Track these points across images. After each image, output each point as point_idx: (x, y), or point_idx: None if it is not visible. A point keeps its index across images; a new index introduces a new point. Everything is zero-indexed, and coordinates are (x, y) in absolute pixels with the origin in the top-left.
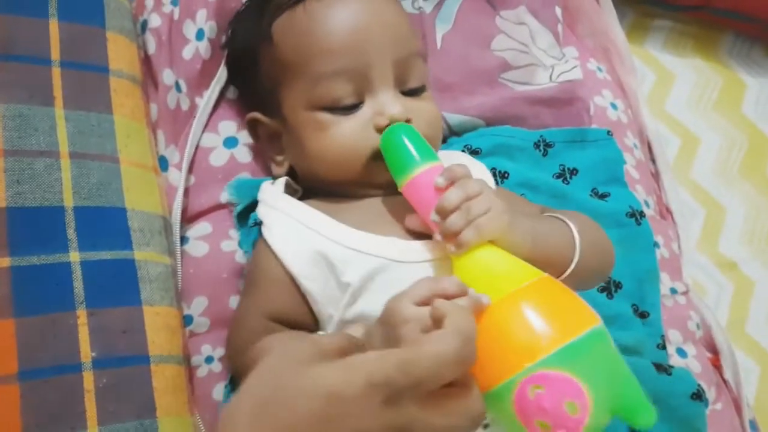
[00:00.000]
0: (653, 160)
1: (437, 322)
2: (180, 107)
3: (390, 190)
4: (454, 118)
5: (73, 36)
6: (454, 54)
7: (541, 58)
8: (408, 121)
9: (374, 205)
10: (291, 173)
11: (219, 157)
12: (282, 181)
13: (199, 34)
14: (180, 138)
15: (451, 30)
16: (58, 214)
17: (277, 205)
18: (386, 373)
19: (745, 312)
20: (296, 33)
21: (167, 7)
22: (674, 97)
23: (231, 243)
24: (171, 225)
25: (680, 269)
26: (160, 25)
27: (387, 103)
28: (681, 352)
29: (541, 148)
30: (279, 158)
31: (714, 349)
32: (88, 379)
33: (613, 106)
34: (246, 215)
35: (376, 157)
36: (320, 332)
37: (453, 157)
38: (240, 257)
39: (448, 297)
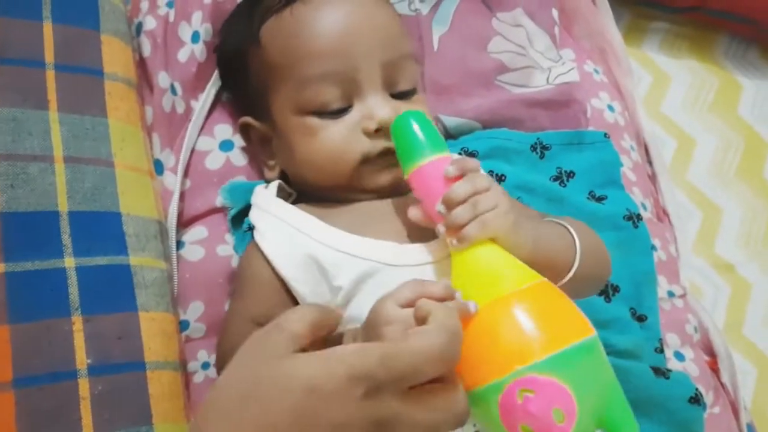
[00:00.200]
0: (650, 162)
1: (421, 321)
2: (175, 110)
3: (381, 193)
4: (451, 121)
5: (68, 39)
6: (451, 56)
7: (538, 61)
8: None
9: (366, 208)
10: (285, 176)
11: (215, 161)
12: (275, 184)
13: (195, 37)
14: (175, 141)
15: (448, 32)
16: (53, 219)
17: (269, 209)
18: (367, 366)
19: (742, 314)
20: (283, 36)
21: (162, 10)
22: (670, 99)
23: (227, 247)
24: (166, 229)
25: (677, 272)
26: (155, 28)
27: (375, 106)
28: (679, 356)
29: (538, 150)
30: (271, 162)
31: (711, 352)
32: (84, 386)
33: (610, 108)
34: (241, 219)
35: (365, 161)
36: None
37: None
38: (236, 262)
39: (434, 299)
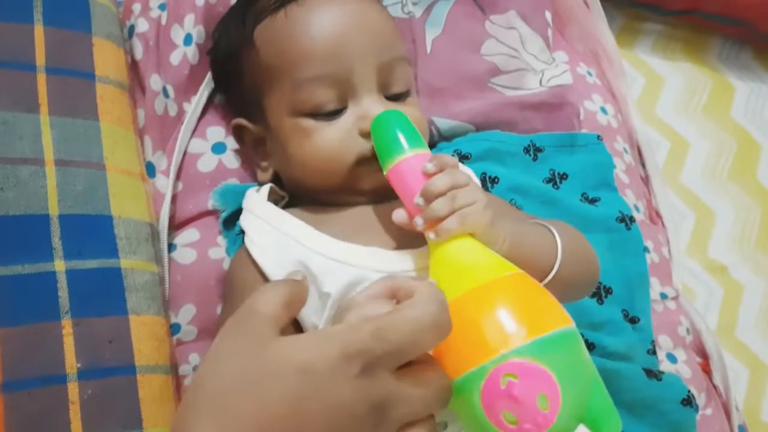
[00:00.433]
0: (643, 164)
1: (407, 297)
2: (167, 113)
3: (375, 197)
4: (444, 123)
5: (59, 41)
6: (444, 59)
7: (531, 63)
8: None
9: (358, 214)
10: (278, 178)
11: (207, 163)
12: (266, 188)
13: (187, 39)
14: (167, 144)
15: (441, 34)
16: (43, 222)
17: (259, 213)
18: (362, 341)
19: (735, 316)
20: (277, 38)
21: (155, 12)
22: (663, 101)
23: (219, 250)
24: (158, 232)
25: (670, 274)
26: (147, 30)
27: (370, 106)
28: (671, 358)
29: (531, 152)
30: (264, 164)
31: (704, 354)
32: (74, 390)
33: (603, 110)
34: (233, 221)
35: (361, 162)
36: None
37: None
38: (228, 264)
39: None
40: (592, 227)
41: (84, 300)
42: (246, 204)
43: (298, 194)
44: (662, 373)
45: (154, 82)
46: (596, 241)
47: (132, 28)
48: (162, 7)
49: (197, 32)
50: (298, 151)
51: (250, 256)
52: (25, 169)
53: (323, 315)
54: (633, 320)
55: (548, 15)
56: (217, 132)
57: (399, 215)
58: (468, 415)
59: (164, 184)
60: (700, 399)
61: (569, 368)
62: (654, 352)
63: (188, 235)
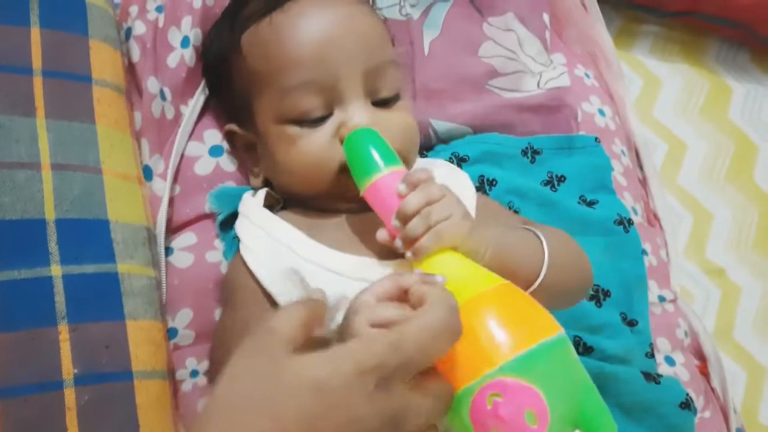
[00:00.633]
0: (641, 166)
1: (418, 303)
2: (165, 116)
3: (366, 204)
4: (442, 126)
5: (56, 44)
6: (442, 61)
7: (529, 65)
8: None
9: (351, 222)
10: (270, 183)
11: (204, 166)
12: (263, 192)
13: (185, 42)
14: (165, 147)
15: (439, 37)
16: (40, 226)
17: (254, 218)
18: (377, 354)
19: (733, 318)
20: (263, 45)
21: (152, 14)
22: (661, 103)
23: (216, 253)
24: (155, 236)
25: (668, 276)
26: (144, 33)
27: (354, 114)
28: (669, 360)
29: (529, 155)
30: (255, 169)
31: (702, 356)
32: (70, 396)
33: (601, 112)
34: (230, 224)
35: (344, 170)
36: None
37: (434, 165)
38: (225, 267)
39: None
40: (590, 230)
41: (81, 305)
42: (241, 208)
43: (291, 199)
44: (660, 376)
45: (152, 84)
46: (594, 244)
47: (129, 31)
48: (159, 9)
49: (194, 35)
50: (284, 159)
51: (244, 263)
52: (21, 173)
53: None
54: (631, 323)
55: (546, 17)
56: (214, 135)
57: (381, 235)
58: (461, 431)
59: (161, 187)
60: (699, 402)
61: (556, 379)
62: (652, 355)
63: (185, 238)
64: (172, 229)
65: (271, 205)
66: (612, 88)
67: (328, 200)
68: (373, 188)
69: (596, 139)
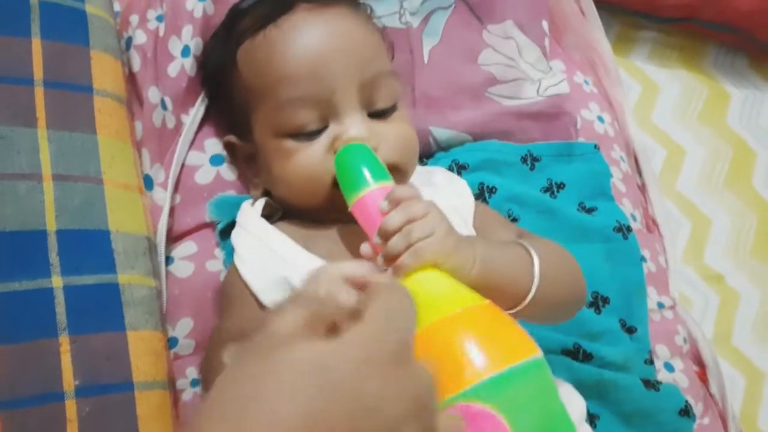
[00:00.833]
0: (639, 173)
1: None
2: (165, 125)
3: None
4: (442, 133)
5: (56, 55)
6: (441, 69)
7: (528, 72)
8: (371, 146)
9: (346, 234)
10: (270, 193)
11: (205, 176)
12: (261, 202)
13: (185, 51)
14: (165, 156)
15: (439, 44)
16: (41, 238)
17: (251, 228)
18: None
19: (731, 324)
20: (257, 60)
21: (152, 24)
22: (660, 109)
23: (216, 263)
24: (156, 245)
25: (667, 283)
26: (145, 42)
27: (348, 126)
28: (668, 367)
29: (529, 162)
30: (256, 180)
31: (700, 362)
32: (71, 408)
33: (600, 119)
34: (230, 232)
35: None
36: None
37: (433, 173)
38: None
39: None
40: (589, 237)
41: (81, 316)
42: (239, 218)
43: (289, 210)
44: (660, 383)
45: (152, 94)
46: (593, 251)
47: (129, 40)
48: (159, 18)
49: (195, 44)
50: (280, 172)
51: (239, 273)
52: (22, 184)
53: None
54: (630, 330)
55: (545, 24)
56: (214, 144)
57: (365, 250)
58: None
59: (162, 197)
60: (698, 408)
61: (523, 406)
62: (651, 362)
63: (186, 247)
64: (173, 239)
65: (270, 214)
66: (611, 95)
67: (324, 212)
68: (359, 204)
69: (595, 146)
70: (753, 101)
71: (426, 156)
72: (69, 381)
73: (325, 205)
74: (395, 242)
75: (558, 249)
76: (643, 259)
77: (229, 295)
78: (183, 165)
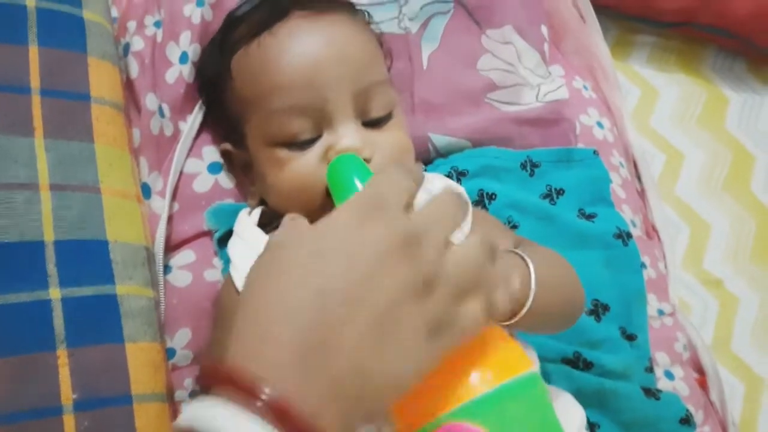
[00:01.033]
0: (639, 178)
1: None
2: (163, 133)
3: None
4: (441, 140)
5: (54, 63)
6: (440, 74)
7: (528, 78)
8: (365, 155)
9: None
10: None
11: (203, 183)
12: (258, 211)
13: (183, 58)
14: (163, 164)
15: (437, 50)
16: (38, 249)
17: (247, 237)
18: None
19: (730, 330)
20: (251, 69)
21: (150, 30)
22: (658, 113)
23: (214, 272)
24: (154, 255)
25: (667, 290)
26: (142, 48)
27: (342, 135)
28: (668, 375)
29: (528, 168)
30: (252, 188)
31: (700, 369)
32: (69, 422)
33: (599, 125)
34: (229, 240)
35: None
36: None
37: (431, 180)
38: None
39: None
40: (588, 243)
41: (79, 328)
42: (236, 227)
43: None
44: (660, 391)
45: (150, 101)
46: (593, 258)
47: (127, 46)
48: (157, 24)
49: (193, 50)
50: (274, 181)
51: (233, 282)
52: (19, 194)
53: None
54: (630, 337)
55: (544, 29)
56: (212, 152)
57: None
58: None
59: (160, 205)
60: (698, 416)
61: (513, 423)
62: (651, 370)
63: (184, 256)
64: (171, 247)
65: (267, 222)
66: (609, 99)
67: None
68: None
69: (595, 151)
70: (752, 105)
71: (425, 163)
72: (67, 394)
73: (318, 214)
74: None
75: (556, 258)
76: (643, 265)
77: (224, 305)
78: (181, 173)
